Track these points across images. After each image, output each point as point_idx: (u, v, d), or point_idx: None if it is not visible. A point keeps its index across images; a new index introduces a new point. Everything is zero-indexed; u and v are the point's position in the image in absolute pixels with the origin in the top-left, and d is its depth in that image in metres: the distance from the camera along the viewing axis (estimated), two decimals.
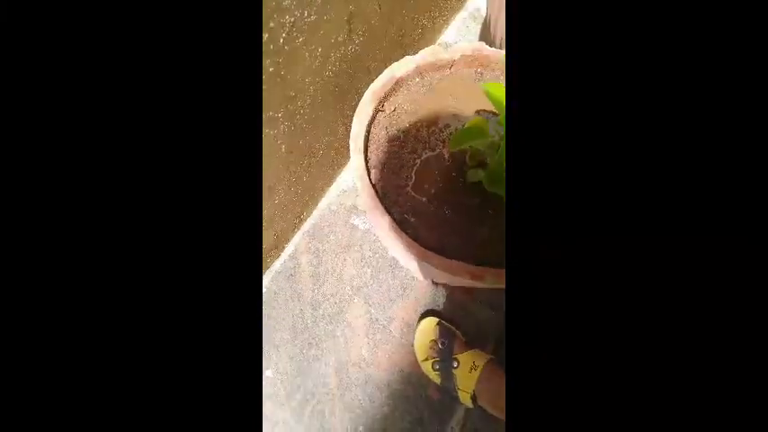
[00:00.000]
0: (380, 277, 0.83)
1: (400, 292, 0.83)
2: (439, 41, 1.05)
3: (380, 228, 0.54)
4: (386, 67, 0.62)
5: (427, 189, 0.57)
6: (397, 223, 0.54)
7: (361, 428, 0.75)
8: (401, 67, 0.61)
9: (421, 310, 0.82)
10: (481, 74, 0.65)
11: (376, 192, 0.56)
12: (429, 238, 0.54)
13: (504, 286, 0.51)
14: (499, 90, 0.46)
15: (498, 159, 0.49)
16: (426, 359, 0.75)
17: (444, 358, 0.72)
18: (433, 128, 0.61)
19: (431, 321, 0.77)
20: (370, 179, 0.56)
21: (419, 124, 0.61)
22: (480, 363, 0.70)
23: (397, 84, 0.62)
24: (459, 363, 0.71)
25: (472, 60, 0.65)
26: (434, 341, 0.75)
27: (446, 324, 0.77)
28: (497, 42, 0.81)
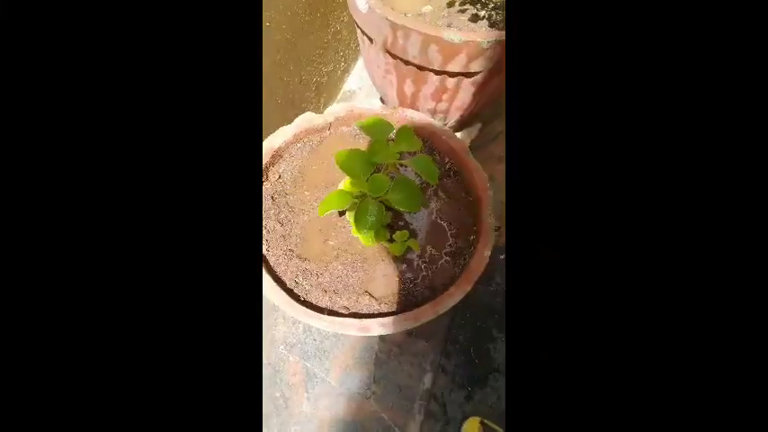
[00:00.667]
0: (312, 330, 0.84)
1: (334, 341, 0.84)
2: (344, 90, 1.10)
3: (276, 296, 0.57)
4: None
5: (315, 249, 0.60)
6: (288, 290, 0.56)
7: None
8: (278, 138, 0.65)
9: (357, 354, 0.83)
10: (358, 130, 0.69)
11: (266, 262, 0.58)
12: (321, 299, 0.57)
13: (408, 325, 0.54)
14: (343, 155, 0.50)
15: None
16: None
17: None
18: (318, 188, 0.64)
19: (473, 423, 0.76)
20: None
21: (304, 187, 0.65)
22: None
23: (278, 152, 0.65)
24: None
25: (348, 119, 0.69)
26: None
27: (488, 423, 0.76)
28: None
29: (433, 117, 0.80)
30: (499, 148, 1.11)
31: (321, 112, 1.05)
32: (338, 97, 1.09)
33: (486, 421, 0.76)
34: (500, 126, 1.14)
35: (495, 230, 1.00)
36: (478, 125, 1.01)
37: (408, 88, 0.72)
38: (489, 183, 0.65)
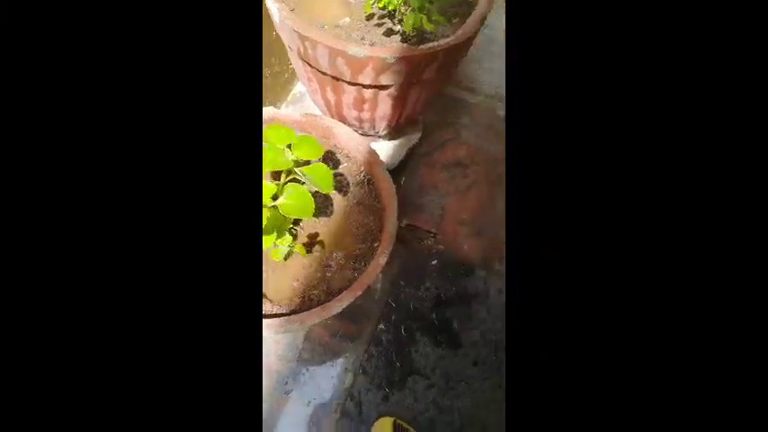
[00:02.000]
0: None
1: None
2: (293, 92, 1.12)
3: None
4: None
5: None
6: None
7: None
8: None
9: (280, 352, 0.86)
10: None
11: None
12: None
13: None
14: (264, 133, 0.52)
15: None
16: None
17: None
18: None
19: (386, 422, 0.77)
20: None
21: None
22: None
23: None
24: None
25: (268, 122, 0.71)
26: None
27: (402, 424, 0.78)
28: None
29: (360, 125, 0.82)
30: (444, 156, 1.13)
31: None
32: (288, 99, 1.10)
33: (400, 422, 0.79)
34: (447, 135, 1.17)
35: (433, 236, 1.02)
36: (418, 134, 1.03)
37: (330, 96, 0.75)
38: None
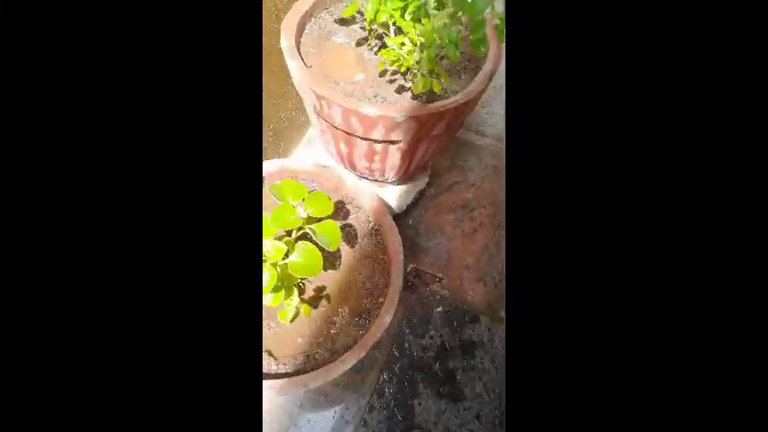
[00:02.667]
0: None
1: None
2: (308, 135, 1.14)
3: None
4: None
5: None
6: None
7: None
8: None
9: (280, 402, 0.84)
10: None
11: None
12: None
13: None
14: (276, 189, 0.53)
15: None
16: None
17: None
18: None
19: None
20: None
21: None
22: None
23: None
24: None
25: (280, 174, 0.72)
26: None
27: None
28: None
29: (370, 173, 0.83)
30: (451, 198, 1.14)
31: (283, 158, 1.09)
32: (302, 140, 1.12)
33: None
34: (454, 177, 1.18)
35: (438, 281, 1.01)
36: (426, 178, 1.04)
37: (343, 148, 0.76)
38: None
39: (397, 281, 0.63)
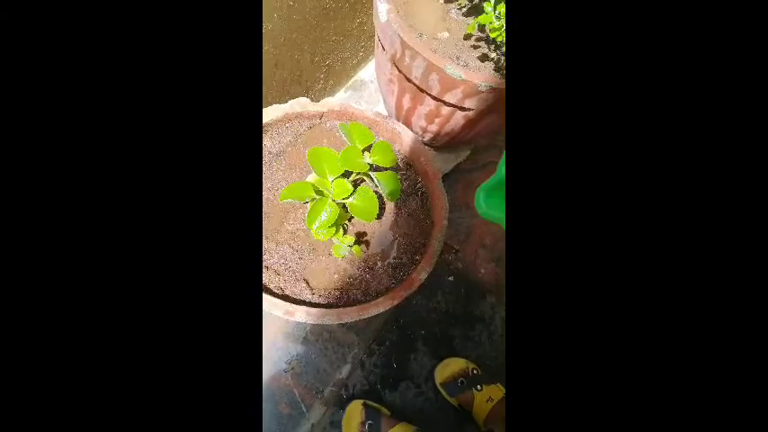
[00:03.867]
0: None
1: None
2: (355, 78, 1.12)
3: None
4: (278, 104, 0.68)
5: (272, 227, 0.63)
6: None
7: None
8: (267, 114, 0.67)
9: (288, 330, 0.88)
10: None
11: None
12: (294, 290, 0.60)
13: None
14: (315, 152, 0.53)
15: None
16: None
17: None
18: (293, 172, 0.67)
19: (356, 404, 0.80)
20: None
21: (280, 167, 0.68)
22: None
23: (264, 127, 0.68)
24: None
25: (341, 114, 0.71)
26: (362, 423, 0.78)
27: (371, 404, 0.81)
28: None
29: (422, 134, 0.83)
30: (483, 177, 1.15)
31: (328, 96, 1.07)
32: (348, 84, 1.10)
33: (368, 402, 0.82)
34: (491, 157, 1.18)
35: (454, 253, 1.04)
36: (467, 151, 1.04)
37: (406, 102, 0.75)
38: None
39: (436, 244, 0.66)
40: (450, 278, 1.01)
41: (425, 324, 0.95)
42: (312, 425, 0.82)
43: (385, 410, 0.82)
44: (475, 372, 0.86)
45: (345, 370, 0.87)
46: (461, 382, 0.85)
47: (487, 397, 0.82)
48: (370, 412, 0.79)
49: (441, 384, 0.87)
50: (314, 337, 0.89)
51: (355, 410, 0.80)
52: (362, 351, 0.90)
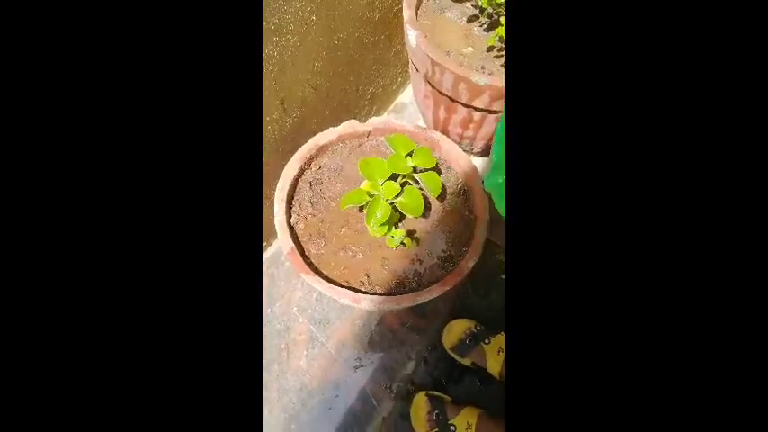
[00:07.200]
0: (323, 300, 0.99)
1: (338, 314, 0.98)
2: (396, 102, 1.23)
3: (298, 266, 0.71)
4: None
5: (334, 232, 0.73)
6: (306, 259, 0.70)
7: (293, 427, 0.90)
8: (324, 136, 0.79)
9: (356, 330, 0.96)
10: None
11: (294, 235, 0.72)
12: (330, 271, 0.70)
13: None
14: (365, 162, 0.63)
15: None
16: None
17: (441, 428, 0.80)
18: (349, 184, 0.78)
19: (420, 396, 0.86)
20: (289, 223, 0.73)
21: (338, 181, 0.78)
22: (473, 420, 0.79)
23: (322, 148, 0.79)
24: (455, 427, 0.79)
25: (384, 130, 0.82)
26: (429, 413, 0.82)
27: (434, 393, 0.86)
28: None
29: (460, 141, 0.91)
30: None
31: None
32: (390, 108, 1.22)
33: (431, 393, 0.86)
34: None
35: (504, 253, 1.08)
36: None
37: (442, 114, 0.84)
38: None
39: (480, 236, 0.72)
40: (502, 277, 1.04)
41: (484, 320, 0.98)
42: (383, 418, 0.88)
43: (447, 398, 0.86)
44: (479, 328, 0.90)
45: (410, 366, 0.93)
46: (469, 341, 0.88)
47: (497, 348, 0.84)
48: (434, 402, 0.84)
49: (450, 349, 0.90)
50: (378, 336, 0.96)
51: (421, 401, 0.85)
52: (425, 348, 0.95)
